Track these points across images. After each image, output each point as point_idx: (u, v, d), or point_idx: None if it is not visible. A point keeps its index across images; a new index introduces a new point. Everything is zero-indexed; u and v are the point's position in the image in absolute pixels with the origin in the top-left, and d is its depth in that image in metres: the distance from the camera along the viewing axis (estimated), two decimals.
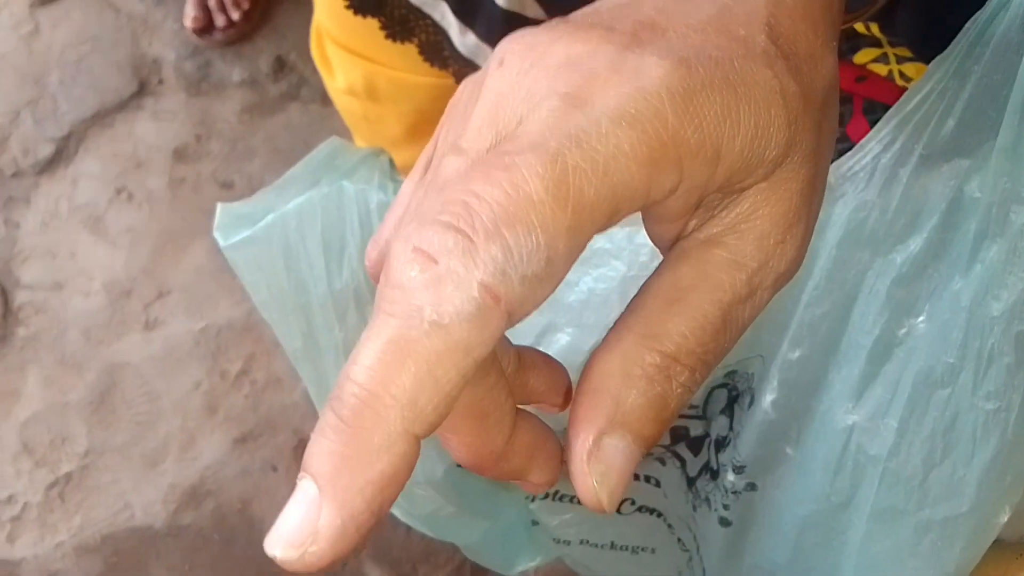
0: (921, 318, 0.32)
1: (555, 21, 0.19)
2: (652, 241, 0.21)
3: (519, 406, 0.20)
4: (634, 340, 0.18)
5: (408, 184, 0.23)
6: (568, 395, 0.23)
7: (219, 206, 0.44)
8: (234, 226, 0.44)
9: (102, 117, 1.12)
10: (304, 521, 0.16)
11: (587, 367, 0.19)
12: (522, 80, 0.18)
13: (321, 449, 0.16)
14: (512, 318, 0.16)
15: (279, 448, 0.93)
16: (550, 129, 0.17)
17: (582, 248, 0.16)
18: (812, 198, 0.19)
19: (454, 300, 0.15)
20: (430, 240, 0.16)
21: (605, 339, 0.19)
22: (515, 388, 0.21)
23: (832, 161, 0.31)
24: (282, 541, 0.16)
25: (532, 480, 0.20)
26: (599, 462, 0.18)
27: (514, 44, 0.19)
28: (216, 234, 0.43)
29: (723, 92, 0.17)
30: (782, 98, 0.18)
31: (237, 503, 0.91)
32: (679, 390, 0.18)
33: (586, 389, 0.18)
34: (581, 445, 0.18)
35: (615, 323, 0.19)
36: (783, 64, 0.18)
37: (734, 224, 0.19)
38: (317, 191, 0.42)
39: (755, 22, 0.19)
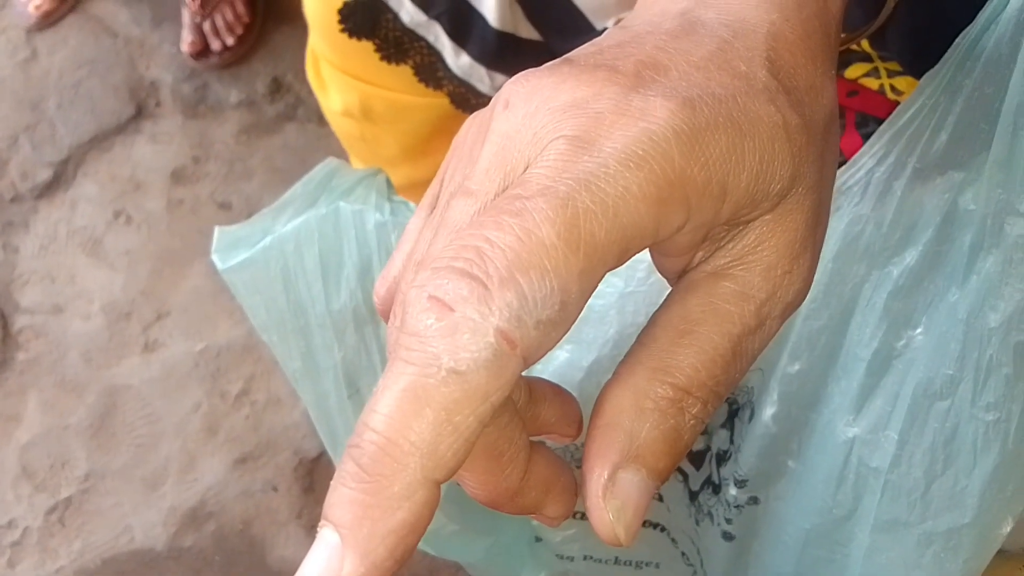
0: (919, 330, 0.32)
1: (559, 62, 0.19)
2: (659, 272, 0.21)
3: (532, 439, 0.20)
4: (645, 374, 0.18)
5: (415, 221, 0.23)
6: (579, 424, 0.23)
7: (216, 229, 0.44)
8: (232, 249, 0.44)
9: (100, 141, 1.13)
10: (326, 571, 0.16)
11: (599, 402, 0.19)
12: (528, 123, 0.18)
13: (342, 498, 0.16)
14: (527, 362, 0.16)
15: (280, 468, 0.92)
16: (559, 173, 0.17)
17: (593, 289, 0.17)
18: (816, 228, 0.20)
19: (471, 347, 0.15)
20: (445, 289, 0.16)
21: (616, 373, 0.19)
22: (527, 420, 0.21)
23: None
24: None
25: (548, 514, 0.20)
26: (615, 497, 0.18)
27: (518, 87, 0.19)
28: (214, 257, 0.43)
29: (728, 130, 0.17)
30: (785, 132, 0.18)
31: (238, 524, 0.91)
32: (692, 422, 0.18)
33: (599, 424, 0.19)
34: (596, 480, 0.18)
35: (625, 357, 0.19)
36: (785, 98, 0.19)
37: (741, 256, 0.19)
38: (314, 212, 0.43)
39: (755, 57, 0.19)
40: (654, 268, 0.35)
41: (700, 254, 0.19)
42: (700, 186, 0.17)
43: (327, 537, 0.16)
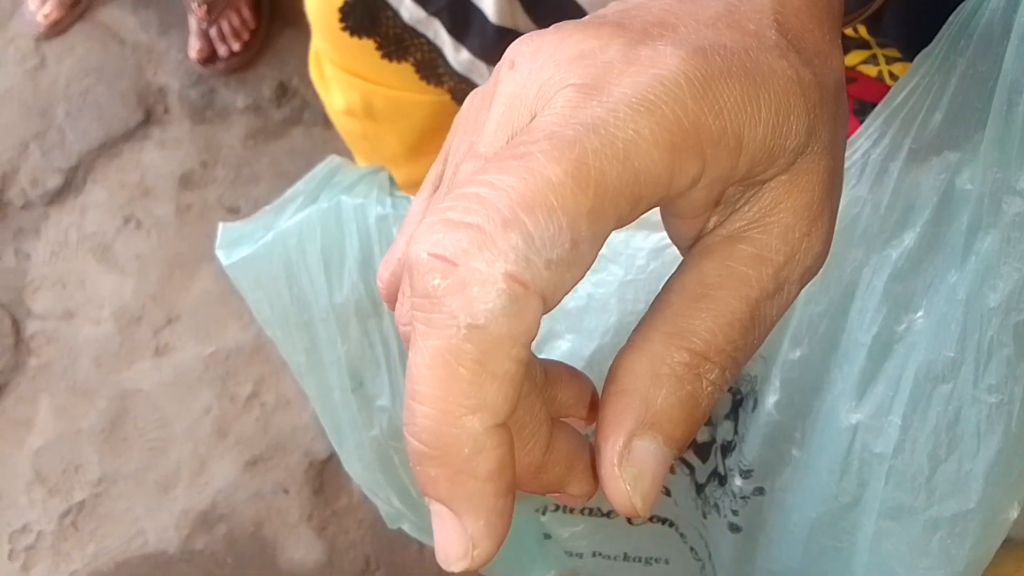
0: (919, 313, 0.32)
1: (563, 23, 0.19)
2: (672, 240, 0.20)
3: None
4: (661, 339, 0.18)
5: (418, 203, 0.22)
6: (595, 407, 0.22)
7: (220, 226, 0.44)
8: (236, 245, 0.44)
9: (109, 147, 1.14)
10: (457, 538, 0.16)
11: (613, 369, 0.18)
12: (534, 78, 0.18)
13: (428, 476, 0.16)
14: (548, 303, 0.16)
15: (290, 470, 0.93)
16: (566, 119, 0.16)
17: (606, 235, 0.16)
18: (833, 191, 0.19)
19: (484, 299, 0.15)
20: (443, 243, 0.15)
21: (630, 340, 0.19)
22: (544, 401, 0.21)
23: None
24: (452, 559, 0.17)
25: (571, 492, 0.20)
26: (631, 465, 0.18)
27: (523, 46, 0.19)
28: (218, 253, 0.44)
29: (742, 80, 0.17)
30: (799, 87, 0.18)
31: (250, 526, 0.91)
32: (709, 388, 0.18)
33: (613, 391, 0.18)
34: (611, 448, 0.18)
35: (639, 323, 0.19)
36: (796, 56, 0.18)
37: (758, 218, 0.18)
38: (316, 207, 0.43)
39: (764, 19, 0.19)
40: (654, 256, 0.35)
41: (714, 219, 0.19)
42: (715, 135, 0.17)
43: (439, 512, 0.17)
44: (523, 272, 0.15)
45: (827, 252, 0.19)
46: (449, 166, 0.21)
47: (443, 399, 0.16)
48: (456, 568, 0.17)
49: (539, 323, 0.16)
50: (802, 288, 0.19)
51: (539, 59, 0.18)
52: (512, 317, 0.15)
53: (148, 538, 0.92)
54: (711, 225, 0.19)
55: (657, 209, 0.19)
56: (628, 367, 0.18)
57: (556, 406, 0.22)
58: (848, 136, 0.30)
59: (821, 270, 0.33)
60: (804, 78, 0.18)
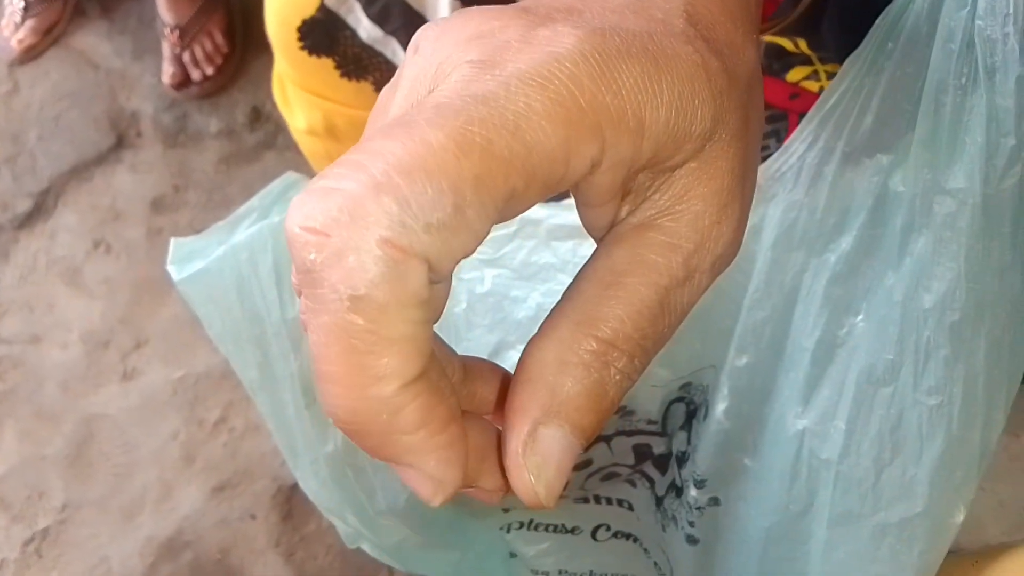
0: (860, 316, 0.32)
1: (468, 8, 0.19)
2: (587, 230, 0.20)
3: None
4: (569, 327, 0.18)
5: None
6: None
7: (172, 241, 0.44)
8: (188, 260, 0.44)
9: (80, 171, 1.13)
10: (421, 482, 0.17)
11: (522, 358, 0.18)
12: (434, 58, 0.18)
13: (365, 446, 0.17)
14: (435, 269, 0.15)
15: (257, 496, 0.91)
16: (456, 92, 0.16)
17: (498, 206, 0.16)
18: (744, 180, 0.19)
19: (362, 269, 0.15)
20: (313, 213, 0.15)
21: (540, 328, 0.18)
22: (463, 399, 0.21)
23: (761, 162, 0.31)
24: (427, 499, 0.17)
25: (484, 486, 0.20)
26: (535, 454, 0.17)
27: (427, 31, 0.19)
28: (170, 268, 0.43)
29: (642, 61, 0.17)
30: (705, 72, 0.18)
31: (216, 553, 0.89)
32: (617, 377, 0.18)
33: (520, 379, 0.18)
34: (516, 437, 0.17)
35: (550, 312, 0.19)
36: (703, 44, 0.18)
37: (668, 206, 0.18)
38: (268, 222, 0.43)
39: (673, 8, 0.19)
40: (581, 243, 0.34)
41: (626, 207, 0.19)
42: (614, 115, 0.16)
43: (396, 467, 0.17)
44: (399, 237, 0.15)
45: (739, 241, 0.19)
46: None
47: (347, 375, 0.15)
48: (437, 503, 0.17)
49: (426, 288, 0.15)
50: (714, 277, 0.19)
51: (440, 41, 0.18)
52: (394, 283, 0.15)
53: (112, 565, 0.90)
54: (623, 214, 0.19)
55: None
56: (535, 355, 0.18)
57: (476, 403, 0.21)
58: (764, 131, 0.30)
59: (765, 275, 0.33)
60: (710, 64, 0.18)
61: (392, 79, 0.20)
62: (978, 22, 0.25)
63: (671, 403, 0.42)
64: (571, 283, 0.19)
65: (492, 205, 0.16)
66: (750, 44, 0.20)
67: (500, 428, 0.21)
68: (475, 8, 0.19)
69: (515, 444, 0.17)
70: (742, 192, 0.19)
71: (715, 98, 0.18)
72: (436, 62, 0.18)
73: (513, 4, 0.19)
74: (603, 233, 0.19)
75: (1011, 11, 0.24)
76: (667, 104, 0.17)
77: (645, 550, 0.55)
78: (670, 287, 0.18)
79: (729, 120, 0.18)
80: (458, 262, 0.16)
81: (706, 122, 0.18)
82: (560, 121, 0.16)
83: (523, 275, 0.37)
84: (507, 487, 0.20)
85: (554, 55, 0.16)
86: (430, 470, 0.17)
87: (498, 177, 0.15)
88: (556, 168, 0.16)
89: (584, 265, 0.19)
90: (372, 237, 0.15)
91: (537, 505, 0.18)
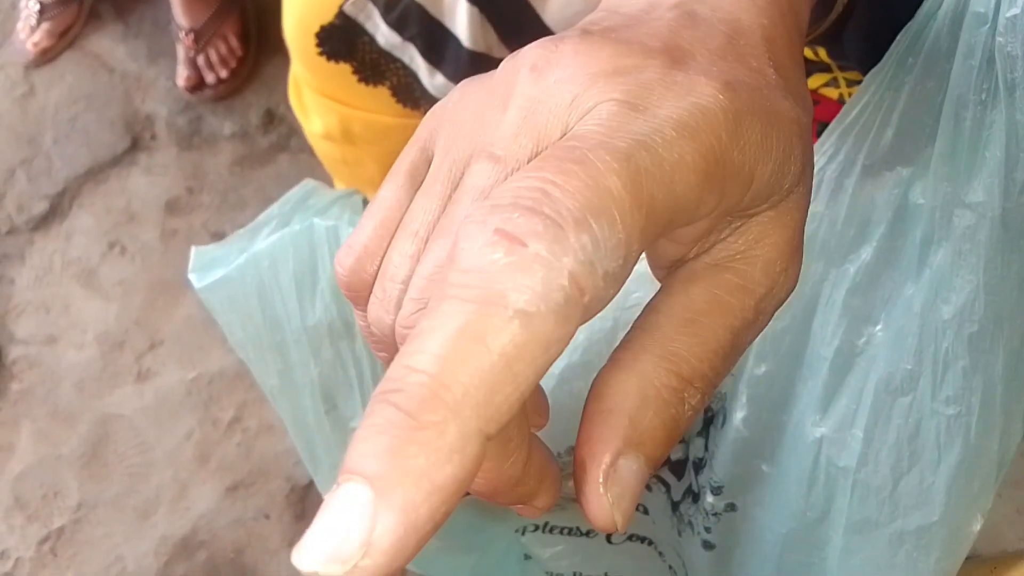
0: (879, 326, 0.32)
1: (578, 31, 0.19)
2: (650, 260, 0.21)
3: None
4: (651, 361, 0.18)
5: (389, 188, 0.21)
6: (547, 414, 0.22)
7: (193, 249, 0.44)
8: (209, 268, 0.44)
9: (95, 173, 1.14)
10: (353, 531, 0.13)
11: (598, 386, 0.18)
12: (564, 87, 0.18)
13: (377, 448, 0.13)
14: (586, 318, 0.15)
15: (272, 496, 0.92)
16: (614, 131, 0.16)
17: (639, 256, 0.16)
18: (805, 229, 0.20)
19: (543, 287, 0.14)
20: (516, 223, 0.14)
21: (616, 358, 0.18)
22: None
23: None
24: (324, 555, 0.13)
25: (538, 504, 0.20)
26: (615, 484, 0.17)
27: (547, 51, 0.18)
28: (191, 276, 0.44)
29: (761, 118, 0.17)
30: (799, 128, 0.19)
31: (230, 552, 0.90)
32: (689, 412, 0.18)
33: (600, 409, 0.18)
34: (597, 467, 0.17)
35: (626, 342, 0.19)
36: (792, 97, 0.19)
37: (743, 250, 0.19)
38: (289, 230, 0.43)
39: (761, 56, 0.19)
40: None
41: (697, 246, 0.19)
42: (736, 169, 0.17)
43: (352, 492, 0.13)
44: (585, 276, 0.15)
45: (795, 285, 0.20)
46: (446, 161, 0.20)
47: (452, 376, 0.14)
48: (320, 568, 0.13)
49: (568, 342, 0.15)
50: (771, 319, 0.20)
51: (568, 69, 0.18)
52: (560, 318, 0.14)
53: (127, 564, 0.91)
54: (694, 252, 0.19)
55: None
56: (616, 386, 0.18)
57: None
58: None
59: None
60: (801, 120, 0.19)
61: (485, 85, 0.20)
62: (999, 39, 0.25)
63: None
64: (645, 314, 0.19)
65: (639, 256, 0.16)
66: (807, 88, 0.21)
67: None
68: (596, 38, 0.18)
69: (596, 473, 0.17)
70: (802, 241, 0.20)
71: (804, 154, 0.19)
72: (570, 92, 0.17)
73: (622, 34, 0.19)
74: (667, 265, 0.20)
75: None
76: (774, 160, 0.18)
77: (660, 554, 0.55)
78: (741, 329, 0.19)
79: (808, 174, 0.19)
80: (596, 315, 0.16)
81: (795, 177, 0.19)
82: (702, 174, 0.16)
83: None
84: (553, 505, 0.20)
85: (699, 107, 0.17)
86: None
87: (651, 231, 0.16)
88: (686, 217, 0.17)
89: (658, 298, 0.19)
90: (565, 266, 0.14)
91: (611, 530, 0.18)
